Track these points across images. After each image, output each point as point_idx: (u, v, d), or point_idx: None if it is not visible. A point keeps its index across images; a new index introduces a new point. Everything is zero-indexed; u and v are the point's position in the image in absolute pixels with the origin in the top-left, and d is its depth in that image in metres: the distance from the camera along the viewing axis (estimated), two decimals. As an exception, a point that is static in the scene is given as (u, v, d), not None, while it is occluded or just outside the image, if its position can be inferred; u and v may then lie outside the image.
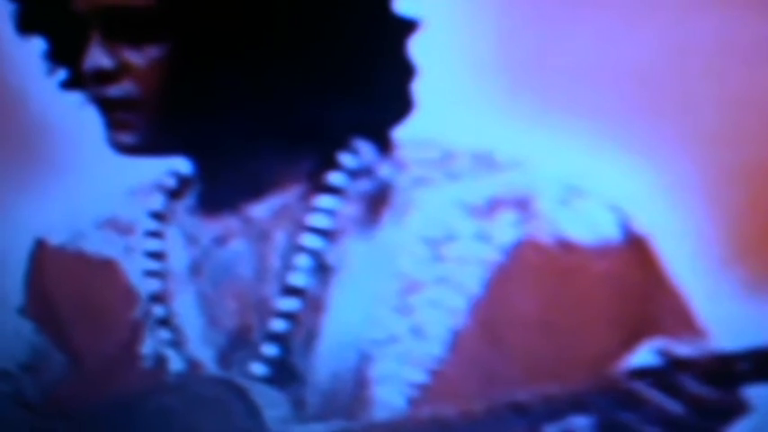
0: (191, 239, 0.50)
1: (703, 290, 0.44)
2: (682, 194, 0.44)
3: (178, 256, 0.50)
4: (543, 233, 0.45)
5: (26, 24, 0.52)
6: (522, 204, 0.45)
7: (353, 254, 0.47)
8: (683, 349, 0.43)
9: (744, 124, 0.43)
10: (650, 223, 0.44)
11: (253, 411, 0.46)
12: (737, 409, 0.42)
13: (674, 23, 0.43)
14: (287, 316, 0.47)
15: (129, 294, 0.51)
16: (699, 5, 0.42)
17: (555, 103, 0.44)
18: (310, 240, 0.47)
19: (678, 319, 0.45)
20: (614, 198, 0.46)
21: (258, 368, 0.48)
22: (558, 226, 0.45)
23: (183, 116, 0.49)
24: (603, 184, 0.45)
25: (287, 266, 0.48)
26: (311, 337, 0.48)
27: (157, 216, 0.51)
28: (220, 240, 0.49)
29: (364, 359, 0.47)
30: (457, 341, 0.46)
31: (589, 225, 0.45)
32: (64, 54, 0.51)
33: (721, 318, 0.44)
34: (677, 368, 0.41)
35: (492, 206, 0.45)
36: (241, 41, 0.46)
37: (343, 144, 0.47)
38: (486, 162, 0.46)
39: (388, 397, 0.46)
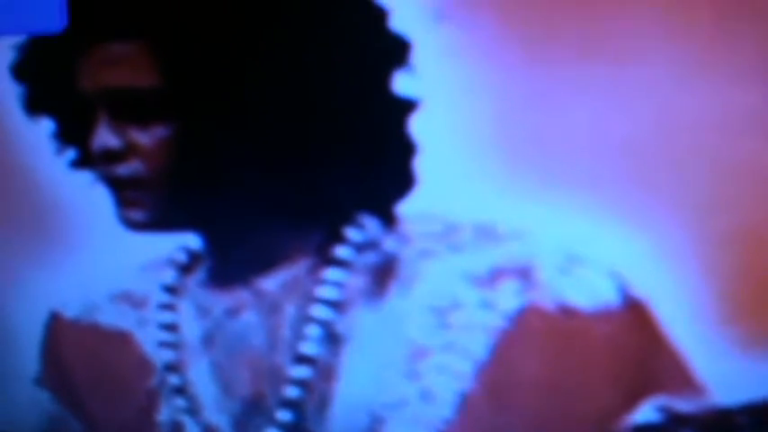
0: (203, 311, 0.52)
1: (701, 349, 0.46)
2: (677, 260, 0.45)
3: (191, 327, 0.52)
4: (545, 300, 0.46)
5: (34, 106, 0.54)
6: (524, 273, 0.47)
7: (362, 323, 0.49)
8: (683, 405, 0.45)
9: (733, 193, 0.44)
10: (648, 288, 0.46)
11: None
12: (737, 460, 0.44)
13: (665, 99, 0.44)
14: (299, 383, 0.49)
15: (144, 364, 0.53)
16: (689, 81, 0.44)
17: (553, 177, 0.46)
18: (320, 311, 0.49)
19: (677, 376, 0.46)
20: (612, 265, 0.47)
21: None
22: (560, 293, 0.47)
23: (191, 193, 0.50)
24: (602, 252, 0.46)
25: (298, 336, 0.49)
26: (324, 402, 0.49)
27: (170, 289, 0.52)
28: (232, 312, 0.51)
29: (376, 422, 0.48)
30: (464, 404, 0.47)
31: (589, 291, 0.46)
32: (72, 134, 0.53)
33: (719, 374, 0.46)
34: (678, 424, 0.43)
35: (495, 275, 0.47)
36: (247, 121, 0.48)
37: (350, 219, 0.49)
38: (487, 234, 0.47)
39: None
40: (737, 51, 0.44)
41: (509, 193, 0.47)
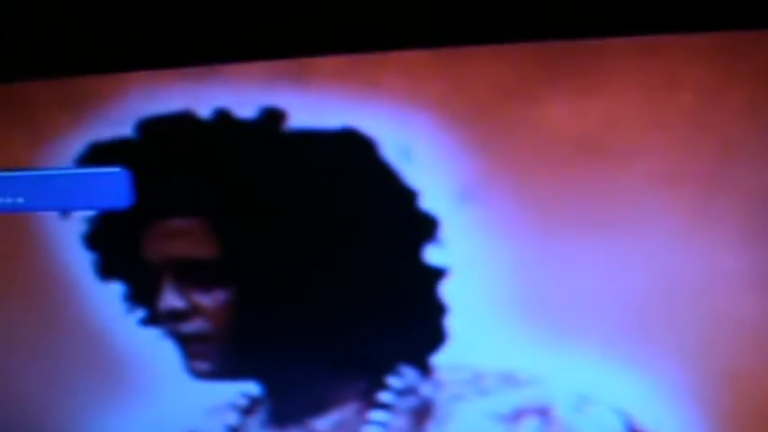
0: None
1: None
2: (676, 399, 0.52)
3: None
4: (562, 433, 0.54)
5: (105, 272, 0.60)
6: (543, 412, 0.54)
7: None
8: None
9: (727, 338, 0.51)
10: (650, 424, 0.53)
11: None
12: None
13: (661, 262, 0.51)
14: None
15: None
16: (680, 247, 0.50)
17: (565, 331, 0.52)
18: None
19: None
20: (619, 404, 0.53)
21: None
22: (574, 428, 0.54)
23: (251, 347, 0.58)
24: (609, 392, 0.53)
25: None
26: None
27: (233, 430, 0.59)
28: None
29: None
30: None
31: (599, 426, 0.53)
32: (140, 296, 0.59)
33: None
34: None
35: (517, 414, 0.54)
36: (298, 286, 0.55)
37: (391, 369, 0.56)
38: (510, 380, 0.54)
39: None
40: (720, 221, 0.51)
41: (527, 345, 0.53)
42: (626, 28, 0.49)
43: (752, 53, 0.48)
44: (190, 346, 0.58)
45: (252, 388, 0.59)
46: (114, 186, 0.58)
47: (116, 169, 0.57)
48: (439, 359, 0.56)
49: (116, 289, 0.61)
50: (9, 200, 0.61)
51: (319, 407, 0.58)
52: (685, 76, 0.49)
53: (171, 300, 0.57)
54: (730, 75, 0.48)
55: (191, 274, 0.57)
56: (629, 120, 0.50)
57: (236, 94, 0.54)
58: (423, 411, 0.56)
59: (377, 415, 0.56)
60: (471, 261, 0.54)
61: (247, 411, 0.59)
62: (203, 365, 0.58)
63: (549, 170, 0.51)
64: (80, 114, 0.58)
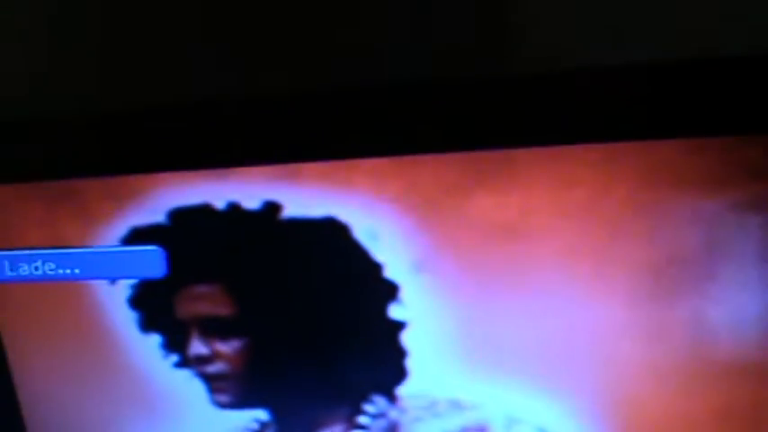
0: None
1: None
2: (585, 419, 0.61)
3: None
4: (497, 446, 0.65)
5: (145, 326, 0.69)
6: (482, 430, 0.65)
7: None
8: None
9: (621, 373, 0.62)
10: None
11: None
12: None
13: (569, 311, 0.58)
14: None
15: None
16: (586, 298, 0.60)
17: (498, 366, 0.59)
18: None
19: None
20: (541, 423, 0.63)
21: None
22: None
23: (261, 382, 0.67)
24: (534, 415, 0.64)
25: None
26: None
27: None
28: None
29: None
30: None
31: None
32: (173, 345, 0.69)
33: None
34: None
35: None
36: (295, 334, 0.67)
37: (367, 398, 0.66)
38: (456, 405, 0.64)
39: None
40: (612, 286, 0.60)
41: (470, 378, 0.64)
42: (533, 141, 0.58)
43: (630, 158, 0.58)
44: (213, 384, 0.68)
45: (262, 414, 0.69)
46: (151, 261, 0.67)
47: (152, 247, 0.67)
48: (403, 390, 0.66)
49: (154, 340, 0.70)
50: (68, 270, 0.70)
51: (314, 427, 0.68)
52: (579, 176, 0.59)
53: (197, 348, 0.68)
54: (614, 175, 0.58)
55: (212, 328, 0.67)
56: (537, 210, 0.60)
57: (244, 191, 0.64)
58: (392, 431, 0.67)
59: (357, 434, 0.67)
60: (425, 315, 0.64)
61: (258, 433, 0.71)
62: (224, 398, 0.68)
63: (480, 247, 0.61)
64: (123, 205, 0.67)
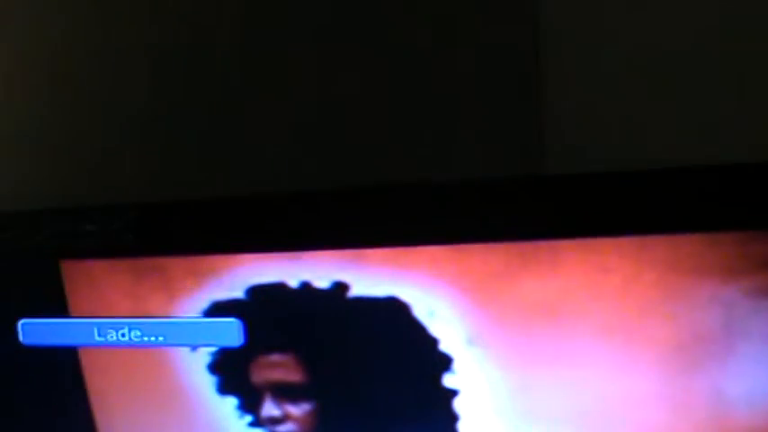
0: None
1: None
2: None
3: None
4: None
5: (223, 390, 0.76)
6: None
7: None
8: None
9: None
10: None
11: None
12: None
13: (603, 381, 0.65)
14: None
15: None
16: (617, 371, 0.65)
17: (539, 428, 0.73)
18: None
19: None
20: None
21: None
22: None
23: None
24: None
25: None
26: None
27: None
28: None
29: None
30: None
31: None
32: (248, 407, 0.75)
33: None
34: None
35: None
36: (360, 399, 0.73)
37: None
38: None
39: None
40: (640, 362, 0.66)
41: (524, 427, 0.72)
42: (571, 233, 0.65)
43: (658, 249, 0.64)
44: (284, 442, 0.74)
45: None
46: (230, 331, 0.74)
47: (231, 319, 0.74)
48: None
49: (231, 402, 0.76)
50: (153, 338, 0.77)
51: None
52: (613, 264, 0.65)
53: (270, 410, 0.74)
54: (644, 263, 0.64)
55: (284, 392, 0.73)
56: (575, 292, 0.66)
57: (315, 271, 0.71)
58: None
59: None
60: (475, 384, 0.70)
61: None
62: (294, 454, 0.73)
63: (525, 324, 0.67)
64: (204, 281, 0.75)
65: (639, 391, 0.67)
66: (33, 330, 0.81)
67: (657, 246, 0.64)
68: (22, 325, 0.81)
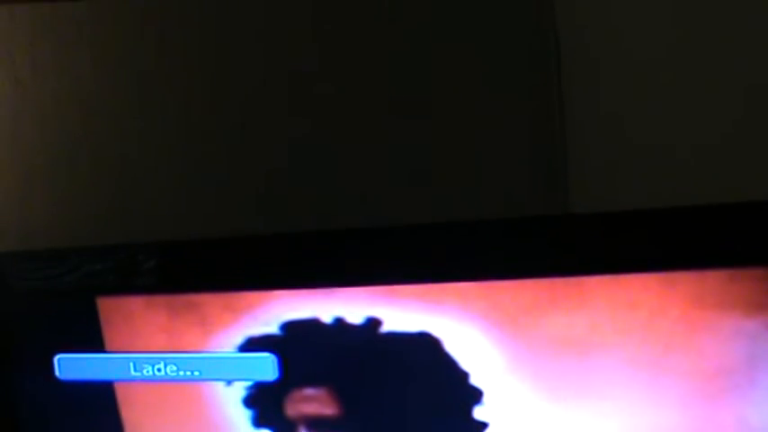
0: None
1: None
2: None
3: None
4: None
5: (258, 422, 0.78)
6: None
7: None
8: None
9: None
10: None
11: None
12: None
13: (630, 411, 0.66)
14: None
15: None
16: (643, 401, 0.68)
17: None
18: None
19: None
20: None
21: None
22: None
23: None
24: None
25: None
26: None
27: None
28: None
29: None
30: None
31: None
32: None
33: None
34: None
35: None
36: (392, 431, 0.79)
37: None
38: None
39: None
40: (665, 393, 0.69)
41: None
42: (597, 269, 0.68)
43: (682, 285, 0.67)
44: (317, 473, 0.77)
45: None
46: (265, 366, 0.76)
47: (266, 354, 0.77)
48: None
49: None
50: (189, 372, 0.79)
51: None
52: (639, 299, 0.68)
53: None
54: (668, 298, 0.67)
55: (318, 426, 0.76)
56: (602, 327, 0.69)
57: (349, 307, 0.74)
58: None
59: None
60: (505, 416, 0.74)
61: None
62: (326, 486, 0.76)
63: (553, 357, 0.70)
64: (239, 317, 0.77)
65: (666, 422, 0.70)
66: (70, 365, 0.82)
67: (682, 281, 0.67)
68: (59, 360, 0.82)
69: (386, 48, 0.85)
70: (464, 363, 0.73)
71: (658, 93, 0.82)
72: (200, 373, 0.79)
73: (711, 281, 0.66)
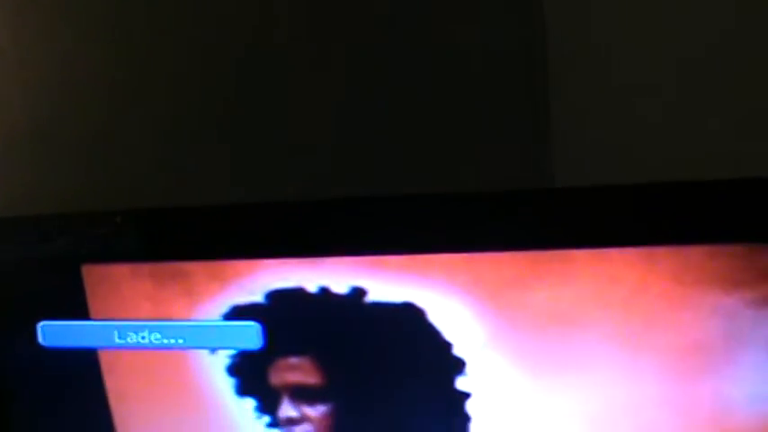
0: None
1: None
2: None
3: None
4: None
5: (241, 392, 0.78)
6: None
7: None
8: None
9: None
10: None
11: None
12: None
13: (611, 384, 0.66)
14: None
15: None
16: (623, 374, 0.69)
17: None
18: None
19: None
20: None
21: None
22: None
23: None
24: None
25: None
26: None
27: None
28: None
29: None
30: None
31: None
32: (266, 409, 0.77)
33: None
34: None
35: None
36: (375, 401, 0.77)
37: None
38: None
39: None
40: (646, 368, 0.69)
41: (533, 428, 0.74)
42: (582, 243, 0.68)
43: (664, 260, 0.67)
44: (300, 442, 0.76)
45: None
46: (249, 335, 0.76)
47: (250, 323, 0.77)
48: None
49: (249, 403, 0.79)
50: (173, 340, 0.79)
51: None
52: (621, 274, 0.68)
53: (287, 411, 0.76)
54: (650, 274, 0.67)
55: (302, 394, 0.75)
56: (585, 301, 0.69)
57: (334, 277, 0.74)
58: None
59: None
60: (487, 387, 0.73)
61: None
62: (308, 456, 0.75)
63: (536, 331, 0.70)
64: (225, 286, 0.77)
65: (645, 395, 0.70)
66: (53, 332, 0.83)
67: (664, 257, 0.67)
68: (42, 327, 0.82)
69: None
70: (447, 334, 0.73)
71: (643, 74, 0.83)
72: (185, 341, 0.80)
73: (692, 258, 0.66)
